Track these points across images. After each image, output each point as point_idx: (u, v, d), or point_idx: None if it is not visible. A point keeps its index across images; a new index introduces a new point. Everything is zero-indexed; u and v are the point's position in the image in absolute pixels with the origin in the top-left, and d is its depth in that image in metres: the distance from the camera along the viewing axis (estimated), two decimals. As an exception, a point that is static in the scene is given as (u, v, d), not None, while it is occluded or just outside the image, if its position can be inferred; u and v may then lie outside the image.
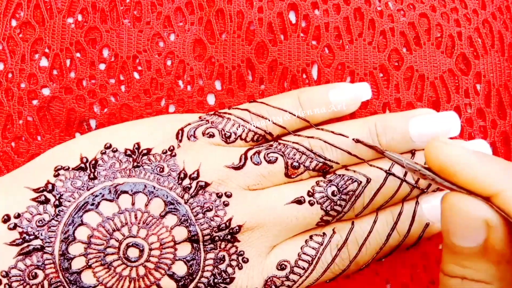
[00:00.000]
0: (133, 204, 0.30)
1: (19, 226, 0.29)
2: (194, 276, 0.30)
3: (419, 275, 0.36)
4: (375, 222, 0.33)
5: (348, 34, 0.36)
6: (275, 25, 0.36)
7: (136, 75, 0.36)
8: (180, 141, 0.32)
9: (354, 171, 0.33)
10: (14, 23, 0.35)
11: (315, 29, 0.36)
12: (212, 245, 0.31)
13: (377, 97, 0.36)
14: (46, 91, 0.35)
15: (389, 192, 0.33)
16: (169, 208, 0.30)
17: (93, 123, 0.35)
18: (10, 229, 0.29)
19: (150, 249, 0.30)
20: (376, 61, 0.36)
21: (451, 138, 0.35)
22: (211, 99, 0.36)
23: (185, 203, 0.31)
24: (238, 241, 0.31)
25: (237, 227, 0.31)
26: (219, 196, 0.31)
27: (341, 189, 0.33)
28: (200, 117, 0.33)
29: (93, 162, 0.31)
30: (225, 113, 0.33)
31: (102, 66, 0.35)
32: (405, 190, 0.33)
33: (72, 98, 0.35)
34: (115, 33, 0.35)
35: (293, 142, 0.33)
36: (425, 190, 0.34)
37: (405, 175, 0.33)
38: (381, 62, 0.36)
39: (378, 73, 0.36)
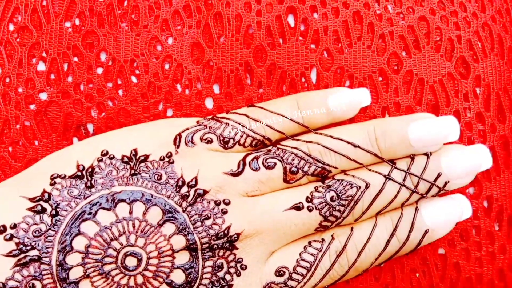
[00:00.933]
0: (130, 212, 0.30)
1: (16, 237, 0.29)
2: (193, 284, 0.30)
3: (419, 280, 0.36)
4: (374, 228, 0.33)
5: (347, 38, 0.36)
6: (274, 28, 0.36)
7: (133, 79, 0.35)
8: (178, 147, 0.32)
9: (353, 176, 0.33)
10: (11, 27, 0.35)
11: (314, 32, 0.36)
12: (210, 253, 0.31)
13: (376, 101, 0.36)
14: (43, 96, 0.35)
15: (388, 197, 0.33)
16: (167, 217, 0.30)
17: (90, 127, 0.35)
18: (6, 240, 0.29)
19: (148, 258, 0.30)
20: (375, 65, 0.36)
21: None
22: (209, 103, 0.36)
23: (183, 211, 0.30)
24: (237, 248, 0.31)
25: (235, 235, 0.31)
26: (217, 203, 0.31)
27: (340, 194, 0.32)
28: (197, 122, 0.33)
29: (90, 169, 0.31)
30: (223, 118, 0.33)
31: (100, 70, 0.35)
32: (404, 195, 0.33)
33: (69, 103, 0.35)
34: (112, 37, 0.35)
35: (291, 147, 0.33)
36: (425, 195, 0.33)
37: (404, 179, 0.33)
38: (380, 66, 0.36)
39: (377, 77, 0.36)
